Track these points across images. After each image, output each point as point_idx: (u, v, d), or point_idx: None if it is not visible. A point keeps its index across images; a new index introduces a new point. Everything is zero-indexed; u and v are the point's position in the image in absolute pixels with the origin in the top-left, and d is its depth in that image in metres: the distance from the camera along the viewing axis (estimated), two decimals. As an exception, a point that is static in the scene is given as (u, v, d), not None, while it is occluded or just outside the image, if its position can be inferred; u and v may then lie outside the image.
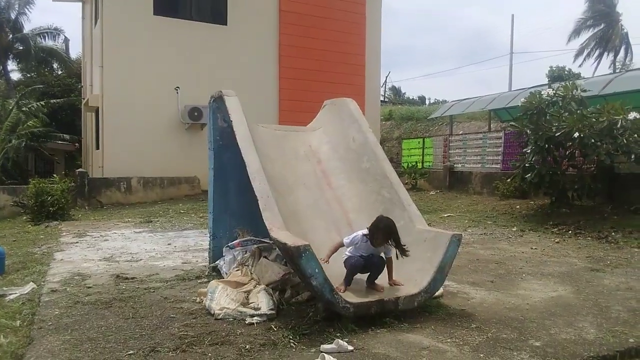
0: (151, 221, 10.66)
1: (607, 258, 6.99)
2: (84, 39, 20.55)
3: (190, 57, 15.51)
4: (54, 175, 13.31)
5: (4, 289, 5.17)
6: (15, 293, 5.01)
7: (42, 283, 5.34)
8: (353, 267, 4.34)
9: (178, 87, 15.31)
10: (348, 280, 4.34)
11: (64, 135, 20.54)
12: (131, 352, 3.44)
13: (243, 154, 4.70)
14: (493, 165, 14.98)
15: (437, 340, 3.73)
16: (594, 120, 9.44)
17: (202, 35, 15.83)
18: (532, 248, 7.78)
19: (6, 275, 5.92)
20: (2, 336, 3.81)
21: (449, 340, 3.74)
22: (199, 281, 5.41)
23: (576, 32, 36.63)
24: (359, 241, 4.38)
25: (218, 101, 5.44)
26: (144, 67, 14.95)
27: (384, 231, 4.30)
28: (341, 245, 4.54)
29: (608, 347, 3.66)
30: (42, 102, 18.28)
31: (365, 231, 4.38)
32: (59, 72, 26.88)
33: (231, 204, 5.68)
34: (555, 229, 9.40)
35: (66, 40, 28.74)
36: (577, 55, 36.94)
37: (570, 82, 11.02)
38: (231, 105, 5.18)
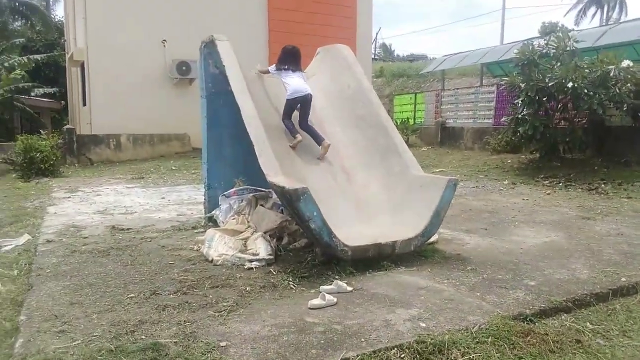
0: (143, 177, 10.59)
1: (598, 207, 7.09)
2: (65, -10, 19.77)
3: (176, 9, 14.99)
4: (41, 132, 13.05)
5: (-1, 240, 5.15)
6: (11, 244, 4.99)
7: (37, 234, 5.32)
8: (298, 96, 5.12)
9: (165, 40, 14.87)
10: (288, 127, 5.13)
11: (48, 89, 19.96)
12: (132, 295, 3.46)
13: (237, 99, 4.61)
14: (485, 121, 14.95)
15: (434, 281, 3.79)
16: (587, 70, 9.38)
17: (188, -14, 15.27)
18: (523, 199, 7.87)
19: (-1, 228, 5.88)
20: (0, 284, 3.81)
21: (445, 281, 3.80)
22: (195, 231, 5.41)
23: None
24: (274, 72, 5.36)
25: (209, 46, 5.29)
26: (129, 18, 14.44)
27: (283, 51, 5.34)
28: (266, 71, 5.52)
29: (601, 285, 3.74)
30: (25, 58, 17.69)
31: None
32: (40, 28, 25.95)
33: (225, 152, 5.62)
34: (547, 182, 9.49)
35: (47, -1, 27.67)
36: (570, 11, 36.46)
37: (563, 33, 10.88)
38: (223, 49, 5.04)
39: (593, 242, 5.08)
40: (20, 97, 17.51)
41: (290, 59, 5.31)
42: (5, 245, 4.96)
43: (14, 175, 11.04)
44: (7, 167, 11.66)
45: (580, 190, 8.62)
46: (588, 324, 3.21)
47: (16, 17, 26.07)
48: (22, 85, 16.96)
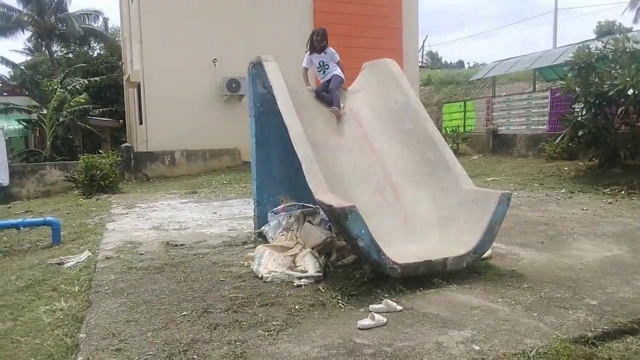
0: (196, 192, 10.90)
1: (665, 217, 6.66)
2: (122, 16, 20.85)
3: (226, 28, 15.47)
4: (101, 151, 13.75)
5: (62, 257, 5.43)
6: (73, 261, 5.25)
7: (97, 251, 5.56)
8: (318, 89, 5.85)
9: (215, 60, 15.38)
10: (335, 99, 5.67)
11: (110, 108, 21.00)
12: (185, 313, 3.54)
13: (284, 119, 4.67)
14: (539, 127, 14.43)
15: (487, 300, 3.66)
16: (650, 74, 8.87)
17: (237, 6, 15.73)
18: (582, 209, 7.50)
19: (63, 244, 6.20)
20: (62, 300, 4.01)
21: (500, 300, 3.67)
22: (245, 247, 5.50)
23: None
24: (307, 58, 6.03)
25: (257, 67, 5.40)
26: (182, 40, 15.07)
27: (313, 33, 5.93)
28: (306, 69, 6.10)
29: (670, 305, 3.50)
30: (86, 80, 18.74)
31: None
32: (101, 52, 27.46)
33: (274, 170, 5.70)
34: (607, 190, 9.02)
35: (105, 21, 29.27)
36: (630, 8, 34.57)
37: (621, 34, 10.36)
38: (270, 70, 5.13)
39: (661, 256, 4.77)
40: (83, 118, 18.51)
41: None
42: (68, 262, 5.22)
43: (76, 192, 11.65)
44: (70, 185, 12.34)
45: (645, 198, 8.14)
46: (657, 347, 3.00)
47: (80, 42, 27.75)
48: (85, 107, 17.93)
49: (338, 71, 5.94)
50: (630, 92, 8.78)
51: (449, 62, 45.71)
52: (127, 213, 8.33)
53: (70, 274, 4.77)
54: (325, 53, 5.98)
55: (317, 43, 5.91)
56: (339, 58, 6.07)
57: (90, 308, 3.74)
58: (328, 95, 5.76)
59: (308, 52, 6.06)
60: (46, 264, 5.24)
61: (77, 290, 4.27)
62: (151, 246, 5.75)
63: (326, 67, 5.99)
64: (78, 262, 5.18)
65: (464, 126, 17.73)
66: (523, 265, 4.57)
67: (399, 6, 17.73)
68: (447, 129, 18.09)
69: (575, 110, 10.08)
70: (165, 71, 14.93)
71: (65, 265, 5.13)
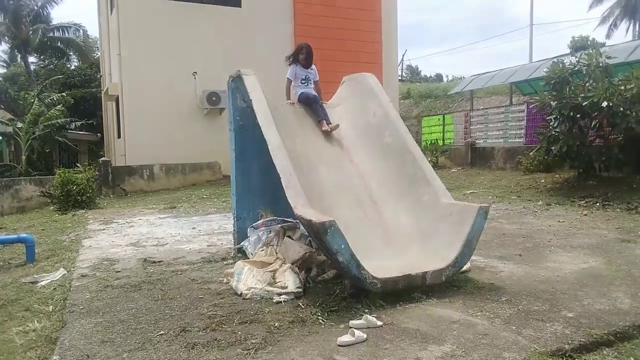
0: (175, 207, 10.77)
1: (638, 229, 6.80)
2: (101, 28, 20.68)
3: (206, 42, 15.48)
4: (78, 165, 13.51)
5: (35, 276, 5.28)
6: (47, 279, 5.11)
7: (72, 269, 5.44)
8: (304, 96, 5.84)
9: (195, 73, 15.33)
10: (321, 112, 5.71)
11: (88, 121, 20.75)
12: (162, 332, 3.47)
13: (264, 132, 4.67)
14: (516, 140, 14.70)
15: (467, 314, 3.68)
16: (622, 88, 9.14)
17: (217, 19, 15.78)
18: (559, 221, 7.63)
19: (37, 262, 6.04)
20: (36, 321, 3.89)
21: (479, 313, 3.68)
22: (224, 262, 5.44)
23: (598, 0, 35.31)
24: (292, 70, 5.97)
25: (237, 81, 5.40)
26: (161, 54, 15.00)
27: (300, 48, 6.03)
28: (290, 82, 6.01)
29: (645, 316, 3.56)
30: (64, 94, 18.49)
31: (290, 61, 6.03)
32: (79, 64, 27.15)
33: (254, 184, 5.67)
34: (583, 202, 9.20)
35: (84, 33, 28.99)
36: (601, 24, 35.66)
37: (594, 50, 10.66)
38: (250, 84, 5.13)
39: (634, 267, 4.86)
40: (60, 131, 18.22)
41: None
42: (42, 281, 5.08)
43: (52, 208, 11.41)
44: (45, 200, 12.08)
45: (618, 210, 8.32)
46: (632, 358, 3.05)
47: (58, 55, 27.43)
48: (62, 121, 17.65)
49: (313, 91, 6.00)
50: (605, 104, 9.01)
51: (428, 75, 46.42)
52: (104, 229, 8.18)
53: (44, 293, 4.64)
54: (310, 69, 6.06)
55: (305, 59, 5.99)
56: (318, 78, 6.14)
57: (65, 328, 3.64)
58: (315, 107, 5.81)
59: (292, 64, 6.05)
60: (19, 282, 5.08)
61: (51, 309, 4.16)
62: (128, 263, 5.64)
63: (309, 81, 6.03)
64: (52, 280, 5.05)
65: (443, 139, 17.95)
66: (501, 278, 4.61)
67: (379, 21, 17.98)
68: (427, 142, 18.30)
69: (550, 123, 10.29)
70: (144, 84, 14.82)
71: (39, 284, 4.99)
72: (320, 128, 5.67)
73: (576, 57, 10.49)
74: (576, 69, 10.12)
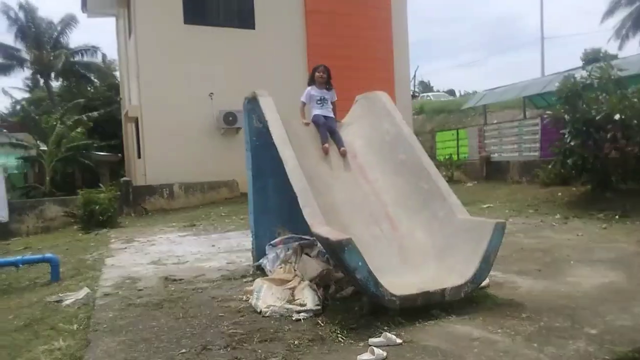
0: (194, 225, 10.91)
1: (660, 242, 6.71)
2: (120, 52, 21.20)
3: (221, 63, 15.77)
4: (100, 185, 13.78)
5: (60, 295, 5.41)
6: (71, 298, 5.23)
7: (96, 287, 5.55)
8: (316, 118, 5.89)
9: (212, 94, 15.61)
10: (323, 136, 5.76)
11: (108, 142, 21.17)
12: (184, 350, 3.54)
13: (280, 153, 4.76)
14: (531, 153, 14.62)
15: (487, 331, 3.67)
16: (635, 100, 9.07)
17: (232, 41, 16.10)
18: (578, 235, 7.55)
19: (61, 281, 6.19)
20: (61, 340, 3.98)
21: (499, 330, 3.67)
22: (244, 280, 5.50)
23: (610, 12, 35.03)
24: (308, 91, 6.06)
25: (252, 102, 5.52)
26: (179, 76, 15.31)
27: (316, 68, 6.09)
28: (304, 104, 6.13)
29: (668, 332, 3.52)
30: (84, 116, 18.93)
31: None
32: (98, 86, 27.81)
33: (271, 202, 5.76)
34: (601, 215, 9.08)
35: (103, 56, 29.75)
36: (614, 37, 35.30)
37: (605, 63, 10.62)
38: (265, 105, 5.26)
39: (657, 282, 4.80)
40: (82, 153, 18.60)
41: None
42: (66, 300, 5.20)
43: (75, 227, 11.64)
44: (69, 220, 12.33)
45: (638, 223, 8.20)
46: (656, 375, 3.02)
47: (79, 78, 28.16)
48: (84, 143, 18.04)
49: (332, 113, 6.09)
50: (617, 117, 8.95)
51: (440, 90, 46.41)
52: (125, 248, 8.32)
53: (68, 312, 4.75)
54: (327, 90, 6.14)
55: (322, 79, 6.09)
56: (336, 99, 6.22)
57: (89, 347, 3.72)
58: (322, 130, 5.89)
59: (308, 85, 6.18)
60: (45, 302, 5.22)
61: (75, 328, 4.25)
62: (150, 281, 5.74)
63: (325, 101, 6.11)
64: (77, 299, 5.16)
65: (458, 154, 17.92)
66: (521, 294, 4.58)
67: (390, 39, 18.16)
68: (441, 157, 18.28)
69: (565, 137, 10.24)
70: (162, 106, 15.13)
71: (63, 303, 5.11)
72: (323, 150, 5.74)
73: (587, 70, 10.47)
74: (588, 82, 10.08)
